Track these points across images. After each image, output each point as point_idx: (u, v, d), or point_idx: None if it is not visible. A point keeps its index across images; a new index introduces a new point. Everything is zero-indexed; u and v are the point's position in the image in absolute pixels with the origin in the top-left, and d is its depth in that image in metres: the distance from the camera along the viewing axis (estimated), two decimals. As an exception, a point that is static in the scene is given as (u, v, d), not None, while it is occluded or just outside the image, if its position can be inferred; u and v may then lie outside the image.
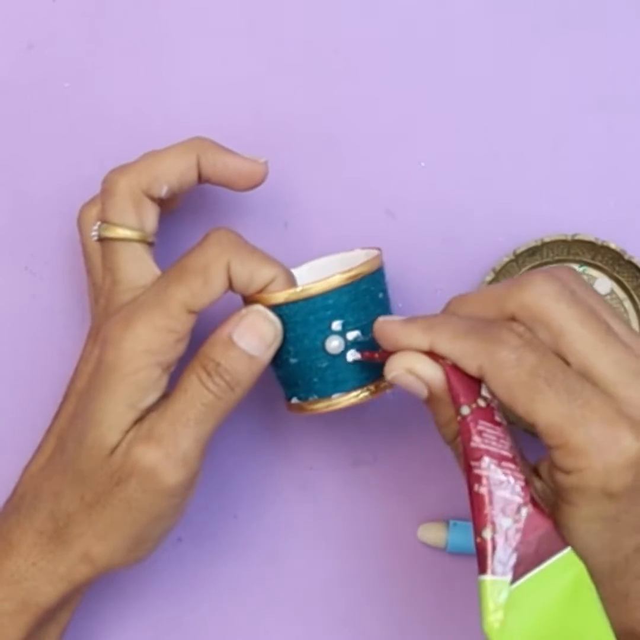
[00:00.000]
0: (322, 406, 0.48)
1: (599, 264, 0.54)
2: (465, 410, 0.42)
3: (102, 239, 0.49)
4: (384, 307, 0.48)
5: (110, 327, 0.46)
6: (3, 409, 0.56)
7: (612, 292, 0.55)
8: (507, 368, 0.41)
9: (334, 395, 0.47)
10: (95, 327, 0.49)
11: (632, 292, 0.54)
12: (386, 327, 0.45)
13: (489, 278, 0.53)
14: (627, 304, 0.55)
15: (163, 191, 0.49)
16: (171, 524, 0.47)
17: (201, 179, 0.50)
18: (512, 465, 0.42)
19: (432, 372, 0.43)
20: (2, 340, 0.56)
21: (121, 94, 0.56)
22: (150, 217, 0.49)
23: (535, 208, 0.55)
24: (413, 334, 0.44)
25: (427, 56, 0.56)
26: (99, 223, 0.49)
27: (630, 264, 0.53)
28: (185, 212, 0.55)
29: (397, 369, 0.44)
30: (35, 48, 0.56)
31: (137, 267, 0.48)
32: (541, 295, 0.42)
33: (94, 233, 0.49)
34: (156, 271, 0.48)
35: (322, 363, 0.47)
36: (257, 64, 0.56)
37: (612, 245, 0.53)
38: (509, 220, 0.55)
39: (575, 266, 0.55)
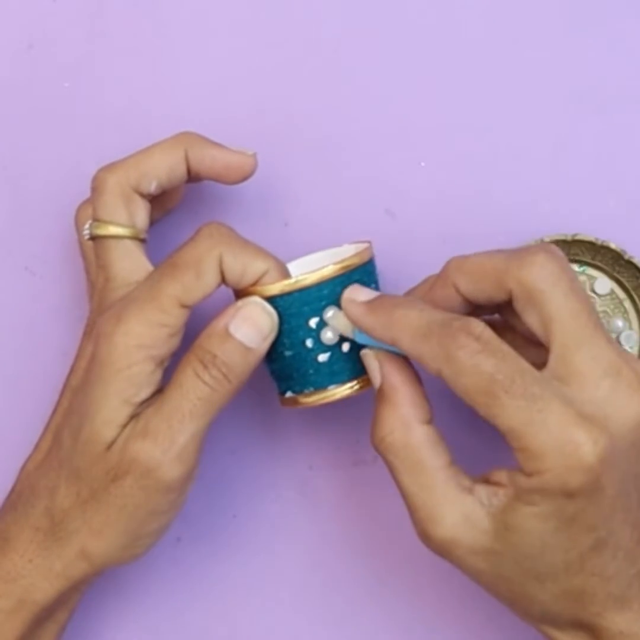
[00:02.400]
0: (318, 398, 0.47)
1: (599, 264, 0.54)
2: None
3: (93, 237, 0.49)
4: None
5: (102, 322, 0.46)
6: (3, 408, 0.56)
7: (612, 292, 0.55)
8: (465, 375, 0.41)
9: (330, 387, 0.47)
10: (90, 324, 0.50)
11: (632, 292, 0.54)
12: (351, 310, 0.46)
13: (489, 278, 0.53)
14: (627, 304, 0.55)
15: (152, 187, 0.49)
16: (168, 520, 0.47)
17: (190, 174, 0.49)
18: None
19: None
20: (2, 340, 0.56)
21: (121, 93, 0.56)
22: (141, 213, 0.49)
23: (535, 208, 0.55)
24: (375, 328, 0.44)
25: (427, 56, 0.56)
26: (90, 221, 0.49)
27: (630, 264, 0.53)
28: (185, 212, 0.55)
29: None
30: (35, 48, 0.56)
31: (129, 264, 0.48)
32: (540, 279, 0.43)
33: (85, 231, 0.49)
34: (149, 267, 0.48)
35: (317, 354, 0.47)
36: (257, 64, 0.56)
37: (612, 245, 0.53)
38: (509, 220, 0.55)
39: (575, 266, 0.55)
